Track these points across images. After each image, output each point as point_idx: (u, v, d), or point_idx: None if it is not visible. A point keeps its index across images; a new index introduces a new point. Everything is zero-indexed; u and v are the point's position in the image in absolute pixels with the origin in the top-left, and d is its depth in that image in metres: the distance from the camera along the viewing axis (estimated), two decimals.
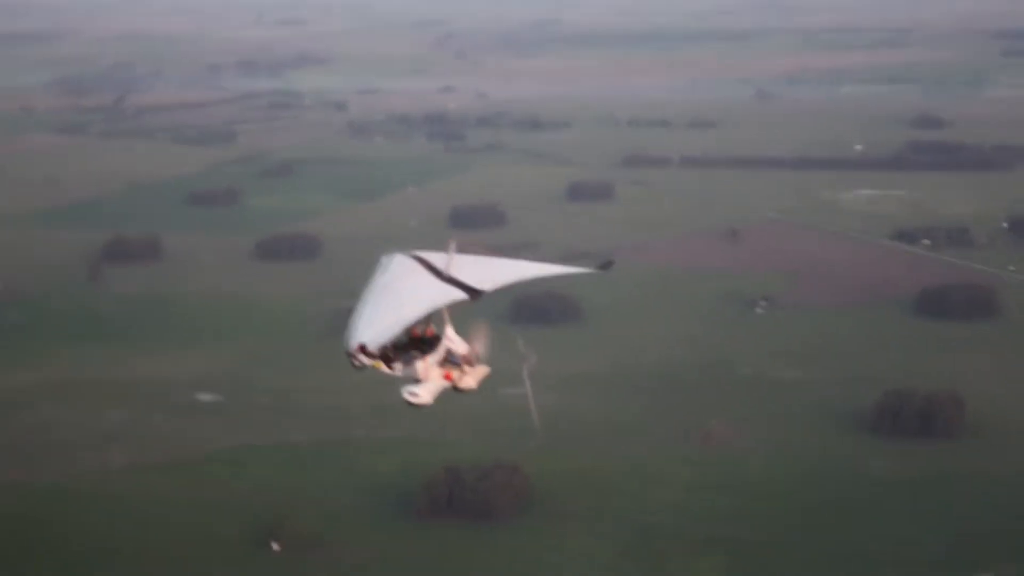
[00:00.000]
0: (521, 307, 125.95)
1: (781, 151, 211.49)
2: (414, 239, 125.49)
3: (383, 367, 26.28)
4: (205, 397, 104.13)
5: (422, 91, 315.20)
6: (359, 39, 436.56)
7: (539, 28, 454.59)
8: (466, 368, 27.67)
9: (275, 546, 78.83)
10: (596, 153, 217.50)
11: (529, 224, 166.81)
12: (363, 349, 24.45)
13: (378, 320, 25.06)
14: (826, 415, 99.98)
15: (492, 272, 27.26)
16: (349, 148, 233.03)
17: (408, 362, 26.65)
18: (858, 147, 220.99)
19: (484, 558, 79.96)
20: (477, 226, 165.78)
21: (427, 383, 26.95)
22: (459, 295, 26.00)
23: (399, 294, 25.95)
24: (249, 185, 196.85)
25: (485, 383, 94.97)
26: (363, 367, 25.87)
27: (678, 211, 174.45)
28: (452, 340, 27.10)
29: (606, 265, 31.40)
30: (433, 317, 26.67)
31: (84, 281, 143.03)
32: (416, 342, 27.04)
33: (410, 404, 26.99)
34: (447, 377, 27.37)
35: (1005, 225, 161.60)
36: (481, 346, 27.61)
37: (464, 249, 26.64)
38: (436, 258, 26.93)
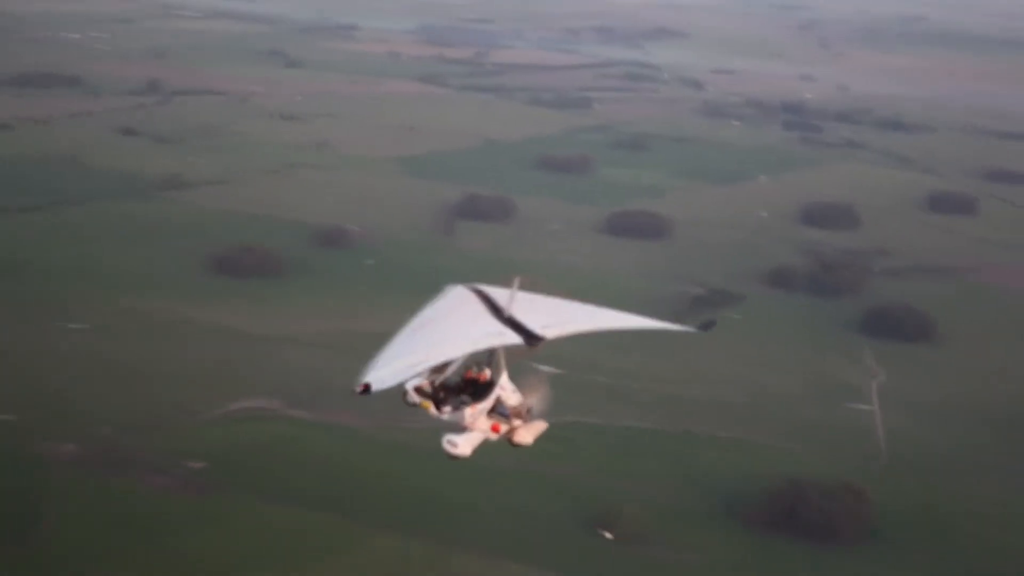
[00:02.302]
0: (874, 318, 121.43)
1: None
2: (763, 231, 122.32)
3: (431, 409, 23.70)
4: (546, 368, 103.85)
5: (780, 77, 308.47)
6: (720, 16, 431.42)
7: (906, 23, 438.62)
8: (515, 422, 24.70)
9: (607, 534, 77.95)
10: (959, 162, 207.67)
11: (883, 230, 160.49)
12: (366, 390, 21.37)
13: (401, 357, 22.52)
14: None
15: (560, 317, 24.25)
16: (703, 128, 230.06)
17: (457, 407, 23.61)
18: None
19: None
20: (828, 226, 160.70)
21: (470, 433, 24.12)
22: (513, 339, 23.08)
23: (439, 330, 23.46)
24: (601, 155, 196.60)
25: (829, 393, 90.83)
26: (415, 405, 23.52)
27: None
28: (504, 389, 24.32)
29: (707, 326, 27.98)
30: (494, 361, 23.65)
31: (437, 234, 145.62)
32: (469, 385, 24.33)
33: (449, 455, 24.09)
34: (494, 429, 24.47)
35: None
36: (536, 400, 24.71)
37: (533, 288, 23.45)
38: (499, 295, 23.98)
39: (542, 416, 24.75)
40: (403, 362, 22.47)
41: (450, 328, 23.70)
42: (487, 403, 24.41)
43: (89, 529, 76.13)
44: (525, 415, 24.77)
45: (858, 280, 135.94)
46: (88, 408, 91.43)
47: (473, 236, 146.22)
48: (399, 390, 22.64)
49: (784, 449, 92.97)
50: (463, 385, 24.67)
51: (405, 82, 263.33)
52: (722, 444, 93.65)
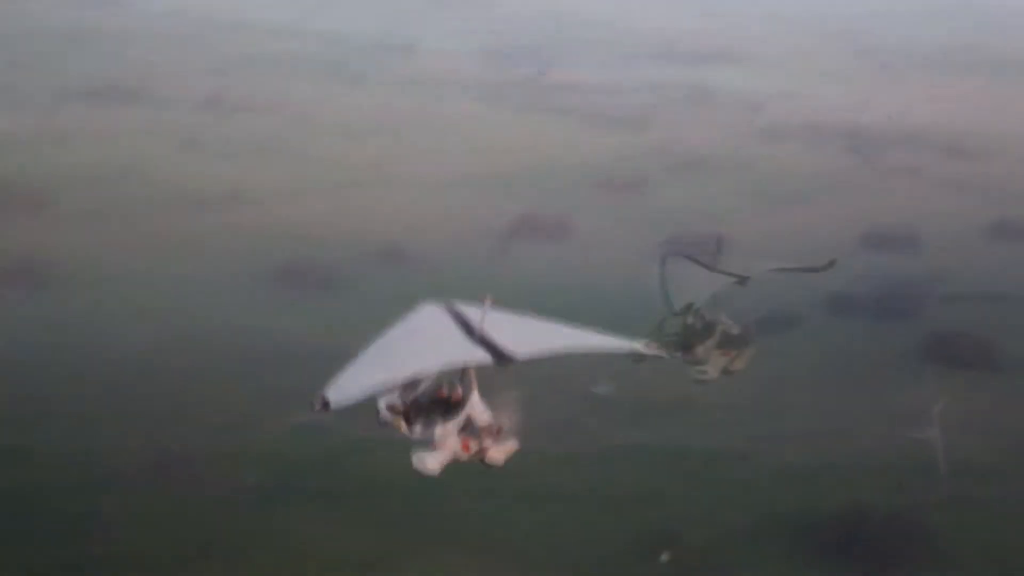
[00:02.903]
0: (936, 345, 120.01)
1: None
2: (822, 255, 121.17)
3: (403, 427, 23.61)
4: (601, 389, 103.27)
5: (839, 101, 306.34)
6: (779, 40, 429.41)
7: (968, 50, 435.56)
8: (486, 440, 24.66)
9: (664, 557, 77.33)
10: (1022, 189, 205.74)
11: (946, 256, 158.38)
12: (326, 406, 21.11)
13: (364, 374, 22.75)
14: None
15: (534, 336, 24.15)
16: (761, 151, 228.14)
17: (428, 425, 23.80)
18: None
19: None
20: (889, 251, 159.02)
21: (440, 451, 24.03)
22: (483, 358, 22.85)
23: (406, 347, 23.79)
24: (658, 177, 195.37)
25: (889, 420, 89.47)
26: (387, 423, 23.46)
27: None
28: (475, 408, 24.25)
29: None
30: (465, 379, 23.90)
31: (492, 253, 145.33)
32: (441, 404, 23.81)
33: (418, 472, 24.01)
34: (464, 447, 24.38)
35: None
36: (508, 419, 24.65)
37: (506, 307, 23.14)
38: (472, 313, 23.67)
39: (513, 435, 24.78)
40: (366, 379, 22.81)
41: (418, 345, 23.88)
42: (458, 421, 24.62)
43: (141, 538, 76.36)
44: (496, 434, 24.93)
45: (920, 306, 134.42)
46: (145, 419, 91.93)
47: (531, 257, 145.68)
48: (373, 407, 22.56)
49: (844, 477, 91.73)
50: (434, 403, 24.94)
51: (464, 101, 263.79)
52: (780, 470, 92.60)
